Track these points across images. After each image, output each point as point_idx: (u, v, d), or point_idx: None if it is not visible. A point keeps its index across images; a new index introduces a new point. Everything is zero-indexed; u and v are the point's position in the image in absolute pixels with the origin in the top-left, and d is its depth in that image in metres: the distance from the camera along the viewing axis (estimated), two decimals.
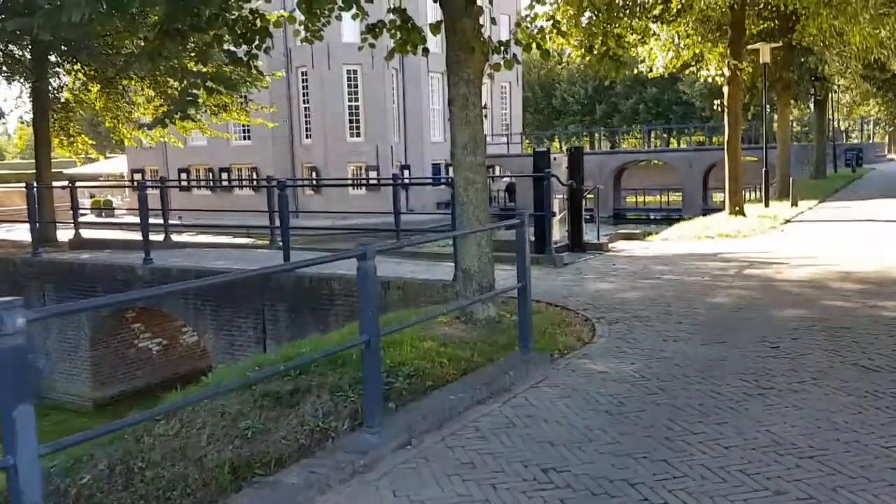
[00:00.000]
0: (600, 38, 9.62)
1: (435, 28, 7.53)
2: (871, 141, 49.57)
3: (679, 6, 13.69)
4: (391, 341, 6.38)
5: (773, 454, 3.89)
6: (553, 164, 12.00)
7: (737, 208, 16.16)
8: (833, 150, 35.29)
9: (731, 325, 6.88)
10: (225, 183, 44.25)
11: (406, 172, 42.65)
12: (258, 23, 7.87)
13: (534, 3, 9.33)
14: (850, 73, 22.63)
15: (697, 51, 16.48)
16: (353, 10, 8.52)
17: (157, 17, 7.87)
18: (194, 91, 12.15)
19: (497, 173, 48.15)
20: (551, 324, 7.06)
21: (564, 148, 58.42)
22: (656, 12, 14.23)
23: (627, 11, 13.74)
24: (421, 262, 11.12)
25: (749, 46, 18.57)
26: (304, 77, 42.06)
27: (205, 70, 11.85)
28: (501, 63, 7.39)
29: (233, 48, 8.36)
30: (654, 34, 14.81)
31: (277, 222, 11.57)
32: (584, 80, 65.73)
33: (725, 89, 16.25)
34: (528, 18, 9.55)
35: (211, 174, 45.29)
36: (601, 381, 5.29)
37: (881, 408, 4.48)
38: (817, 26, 15.35)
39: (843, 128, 48.13)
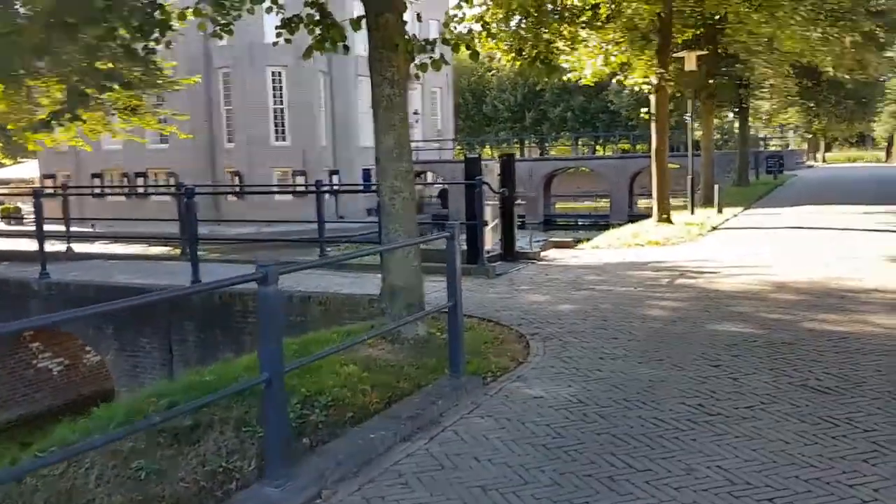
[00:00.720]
0: (530, 42, 9.25)
1: (356, 23, 7.00)
2: (789, 148, 51.29)
3: (608, 13, 13.54)
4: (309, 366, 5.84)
5: (728, 496, 3.50)
6: (485, 171, 11.61)
7: (664, 216, 16.14)
8: (755, 158, 36.21)
9: (667, 340, 6.57)
10: (140, 189, 42.38)
11: (335, 177, 41.80)
12: (157, 15, 7.18)
13: (461, 3, 8.93)
14: (777, 79, 23.09)
15: (625, 59, 16.42)
16: (267, 3, 7.94)
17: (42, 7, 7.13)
18: (86, 90, 11.22)
19: (429, 179, 47.81)
20: (484, 342, 6.62)
21: (496, 154, 58.62)
22: (585, 18, 14.06)
23: (557, 17, 13.51)
24: (348, 275, 10.54)
25: (675, 54, 18.67)
26: (226, 78, 40.79)
27: (98, 67, 10.94)
28: (428, 63, 6.91)
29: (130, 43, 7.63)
30: (583, 40, 14.64)
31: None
32: (514, 88, 66.12)
33: (652, 98, 16.22)
34: (456, 19, 9.15)
35: (126, 179, 43.43)
36: (537, 409, 4.85)
37: (838, 437, 4.16)
38: (746, 32, 15.47)
39: (762, 135, 49.67)
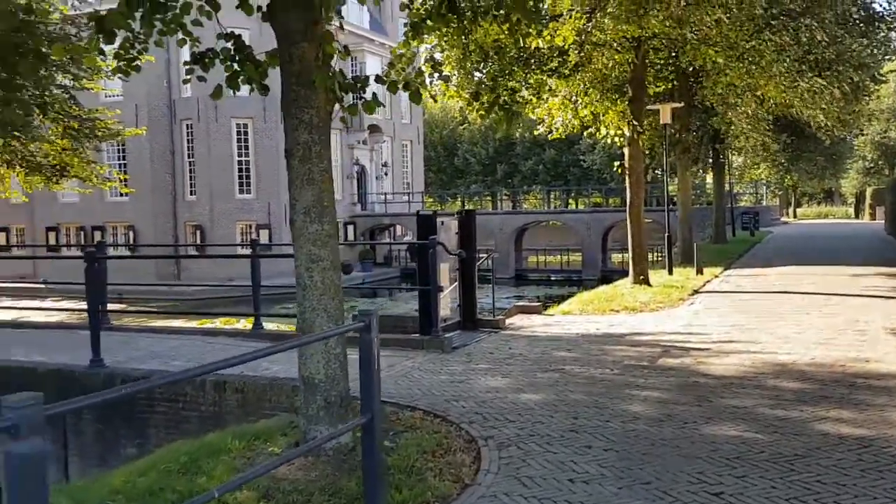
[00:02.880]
0: (487, 86, 8.11)
1: (273, 58, 5.79)
2: (763, 203, 50.92)
3: (577, 60, 12.55)
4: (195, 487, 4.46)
5: None
6: (441, 228, 10.36)
7: (641, 277, 14.94)
8: (731, 214, 35.48)
9: (653, 450, 5.24)
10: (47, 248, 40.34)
11: None
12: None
13: (409, 40, 7.78)
14: (755, 134, 22.30)
15: (597, 110, 15.45)
16: (179, 35, 6.66)
17: None
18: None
19: (398, 233, 46.66)
20: (423, 452, 5.25)
21: (470, 206, 57.74)
22: (553, 66, 13.05)
23: (521, 63, 12.51)
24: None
25: (649, 107, 17.79)
26: (189, 130, 39.59)
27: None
28: (359, 105, 5.67)
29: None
30: (551, 90, 13.64)
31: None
32: (485, 141, 65.75)
33: (626, 150, 15.21)
34: (404, 60, 8.00)
35: (83, 233, 41.63)
36: None
37: None
38: (726, 83, 14.58)
39: (735, 191, 49.31)
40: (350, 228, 43.44)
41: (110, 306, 11.68)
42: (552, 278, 43.72)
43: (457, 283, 10.83)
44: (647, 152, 21.70)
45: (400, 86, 5.94)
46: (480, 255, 13.37)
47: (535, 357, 8.70)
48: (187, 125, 39.67)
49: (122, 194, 40.33)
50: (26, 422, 2.19)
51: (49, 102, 16.50)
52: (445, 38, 8.68)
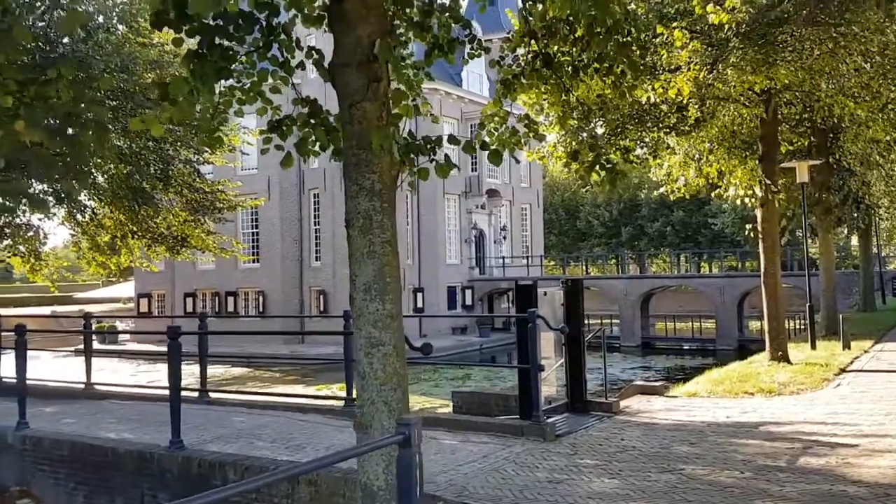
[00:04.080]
0: (586, 144, 7.32)
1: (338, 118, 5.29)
2: None
3: (698, 115, 11.49)
4: None
5: None
6: (543, 299, 9.52)
7: (779, 353, 13.29)
8: (880, 279, 32.30)
9: None
10: (231, 309, 42.32)
11: (419, 295, 40.53)
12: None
13: (500, 98, 7.16)
14: None
15: (723, 168, 14.21)
16: (258, 104, 6.31)
17: None
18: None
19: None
20: None
21: (592, 271, 56.09)
22: (671, 122, 12.05)
23: (635, 120, 11.61)
24: None
25: (784, 164, 16.28)
26: (316, 199, 40.83)
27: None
28: (431, 169, 5.05)
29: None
30: (669, 148, 12.61)
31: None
32: (608, 203, 64.24)
33: (758, 212, 13.81)
34: (495, 118, 7.38)
35: (217, 299, 43.43)
36: None
37: None
38: (868, 138, 13.03)
39: (884, 253, 45.21)
40: (468, 293, 43.08)
41: (231, 370, 11.50)
42: (684, 347, 41.17)
43: (563, 360, 9.88)
44: (784, 213, 19.99)
45: (477, 145, 5.26)
46: (596, 327, 12.35)
47: (651, 452, 7.57)
48: (314, 194, 40.94)
49: (254, 261, 42.21)
50: None
51: (173, 176, 17.12)
52: (545, 97, 7.98)
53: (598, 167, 6.81)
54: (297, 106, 5.70)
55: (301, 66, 5.27)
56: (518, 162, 9.05)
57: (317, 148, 5.72)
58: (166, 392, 8.04)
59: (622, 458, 7.32)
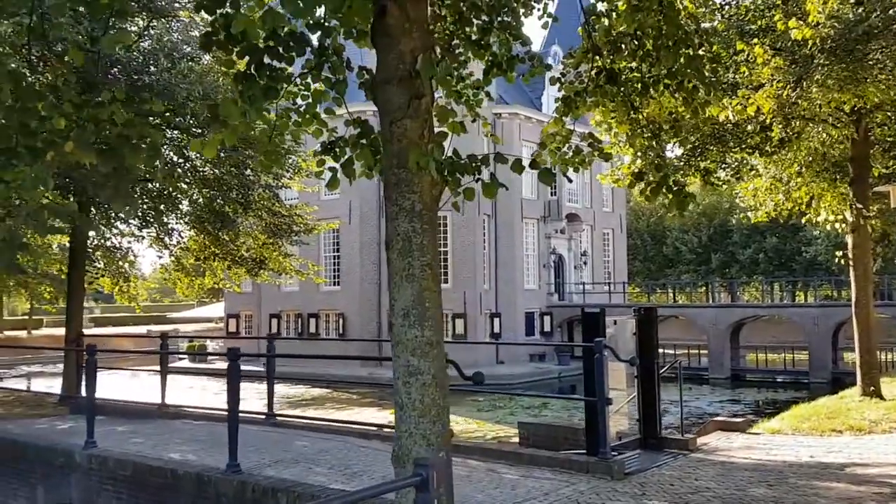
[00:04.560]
0: (654, 163, 6.94)
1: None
2: None
3: (782, 136, 10.84)
4: None
5: None
6: (613, 328, 9.11)
7: (871, 388, 12.32)
8: None
9: None
10: (312, 330, 43.05)
11: (496, 321, 40.12)
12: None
13: (561, 116, 6.89)
14: None
15: (812, 192, 13.40)
16: (313, 127, 6.26)
17: None
18: None
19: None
20: None
21: (680, 299, 54.29)
22: (754, 142, 11.42)
23: (716, 140, 11.06)
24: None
25: (877, 189, 15.27)
26: None
27: None
28: (477, 189, 4.82)
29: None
30: (753, 169, 11.97)
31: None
32: (697, 228, 62.26)
33: (849, 238, 12.94)
34: (557, 137, 7.11)
35: (300, 320, 44.22)
36: None
37: None
38: None
39: None
40: (546, 319, 42.35)
41: (311, 391, 11.53)
42: (777, 380, 39.13)
43: (635, 393, 9.40)
44: (878, 239, 18.76)
45: (526, 164, 5.00)
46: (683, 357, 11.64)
47: (726, 494, 7.03)
48: None
49: (335, 283, 42.86)
50: None
51: (252, 200, 17.48)
52: (613, 115, 7.65)
53: (664, 189, 6.42)
54: (349, 127, 5.59)
55: (345, 83, 5.14)
56: (570, 181, 8.67)
57: (364, 169, 5.61)
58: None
59: (694, 501, 6.82)
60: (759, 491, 7.08)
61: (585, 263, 45.98)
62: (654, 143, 7.54)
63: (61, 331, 22.20)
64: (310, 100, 5.72)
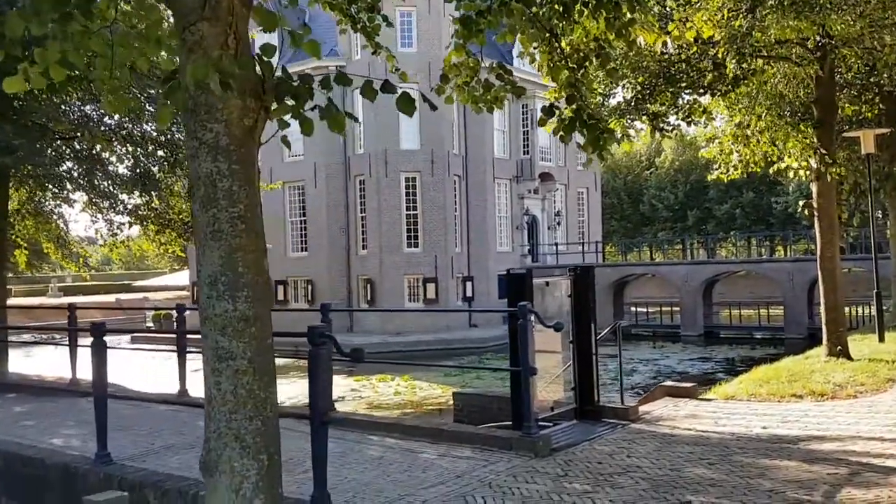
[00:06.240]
0: (566, 94, 5.94)
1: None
2: None
3: (737, 72, 9.79)
4: None
5: None
6: (544, 291, 8.18)
7: (838, 347, 11.51)
8: None
9: None
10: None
11: (469, 284, 39.28)
12: None
13: (462, 42, 5.87)
14: None
15: (776, 137, 12.43)
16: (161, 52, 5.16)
17: None
18: None
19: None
20: None
21: (657, 257, 53.51)
22: (707, 81, 10.38)
23: (665, 80, 10.03)
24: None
25: (846, 133, 14.35)
26: (362, 185, 39.90)
27: None
28: (316, 114, 3.79)
29: None
30: (706, 112, 10.97)
31: None
32: (674, 185, 61.53)
33: (813, 187, 12.04)
34: (461, 69, 6.11)
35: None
36: None
37: None
38: None
39: None
40: None
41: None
42: (756, 336, 38.65)
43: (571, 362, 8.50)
44: (852, 189, 17.91)
45: (378, 87, 3.95)
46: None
47: (658, 475, 6.16)
48: (360, 181, 40.00)
49: (303, 249, 41.72)
50: None
51: (181, 161, 16.27)
52: (536, 46, 6.60)
53: (577, 124, 5.43)
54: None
55: None
56: (435, 109, 6.99)
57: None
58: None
59: (619, 484, 5.95)
60: (696, 471, 6.22)
61: (559, 224, 45.07)
62: (578, 74, 6.52)
63: None
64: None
